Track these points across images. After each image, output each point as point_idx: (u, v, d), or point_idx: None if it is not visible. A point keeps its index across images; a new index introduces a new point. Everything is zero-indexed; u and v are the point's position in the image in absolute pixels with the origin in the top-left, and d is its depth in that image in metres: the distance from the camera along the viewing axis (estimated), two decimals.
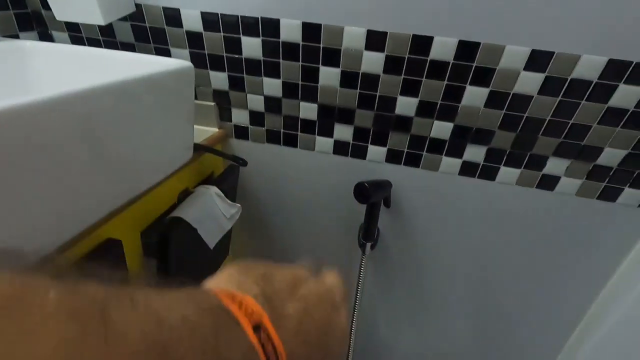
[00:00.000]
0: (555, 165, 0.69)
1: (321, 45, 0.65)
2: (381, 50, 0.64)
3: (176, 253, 0.60)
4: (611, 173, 0.67)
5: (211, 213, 0.64)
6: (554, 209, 0.73)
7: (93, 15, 0.60)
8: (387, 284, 0.95)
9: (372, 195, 0.72)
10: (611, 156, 0.65)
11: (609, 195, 0.69)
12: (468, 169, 0.73)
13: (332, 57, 0.66)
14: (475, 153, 0.71)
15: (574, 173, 0.69)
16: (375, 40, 0.63)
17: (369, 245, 0.82)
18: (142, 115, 0.49)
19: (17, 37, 0.70)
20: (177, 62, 0.55)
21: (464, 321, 0.95)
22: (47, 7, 0.70)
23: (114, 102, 0.43)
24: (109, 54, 0.58)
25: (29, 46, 0.60)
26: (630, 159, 0.65)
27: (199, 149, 0.68)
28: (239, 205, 0.70)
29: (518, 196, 0.74)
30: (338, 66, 0.67)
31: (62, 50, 0.60)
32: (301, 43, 0.66)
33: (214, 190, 0.66)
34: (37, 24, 0.73)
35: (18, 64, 0.59)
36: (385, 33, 0.62)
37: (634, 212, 0.70)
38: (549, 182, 0.71)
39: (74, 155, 0.39)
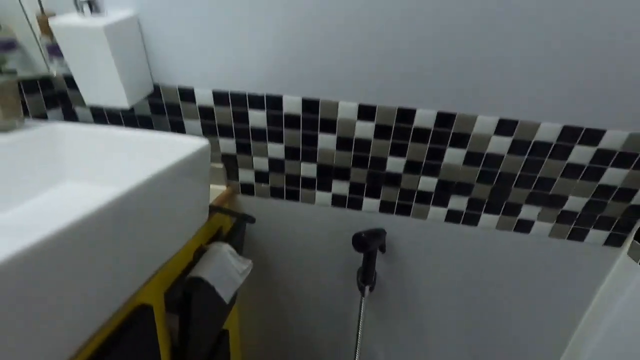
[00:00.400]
0: (528, 212, 0.78)
1: (319, 117, 0.75)
2: (371, 120, 0.73)
3: (196, 309, 0.66)
4: (577, 217, 0.76)
5: (226, 270, 0.71)
6: (532, 249, 0.82)
7: (119, 100, 0.69)
8: (385, 322, 1.01)
9: (369, 244, 0.80)
10: (575, 203, 0.75)
11: (578, 235, 0.78)
12: (453, 217, 0.82)
13: (329, 125, 0.76)
14: (458, 202, 0.80)
15: (545, 218, 0.78)
16: (366, 112, 0.73)
17: (367, 288, 0.89)
18: (169, 198, 0.56)
19: (45, 115, 0.78)
20: (196, 142, 0.63)
21: (459, 353, 1.01)
22: (71, 86, 0.79)
23: (146, 198, 0.49)
24: (134, 135, 0.66)
25: (61, 129, 0.68)
26: (591, 205, 0.75)
27: (212, 209, 0.75)
28: (250, 261, 0.76)
29: (499, 238, 0.82)
30: (334, 133, 0.76)
31: (92, 133, 0.67)
32: (301, 115, 0.75)
33: (227, 248, 0.73)
34: (62, 102, 0.81)
35: (51, 147, 0.66)
36: (375, 106, 0.72)
37: (601, 249, 0.79)
38: (524, 226, 0.80)
39: (111, 250, 0.45)
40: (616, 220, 0.75)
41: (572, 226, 0.78)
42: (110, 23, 0.62)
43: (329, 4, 0.64)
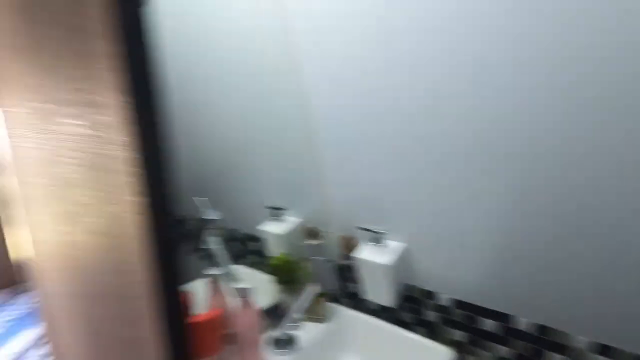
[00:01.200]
0: None
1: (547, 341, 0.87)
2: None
3: None
4: None
5: None
6: None
7: (388, 301, 1.01)
8: None
9: None
10: None
11: None
12: None
13: (558, 348, 0.86)
14: None
15: None
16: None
17: None
18: None
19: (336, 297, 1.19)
20: (447, 352, 0.86)
21: None
22: (349, 271, 1.18)
23: None
24: (398, 333, 0.95)
25: (345, 314, 1.04)
26: None
27: None
28: None
29: None
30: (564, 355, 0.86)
31: (368, 323, 1.00)
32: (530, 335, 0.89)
33: None
34: (343, 281, 1.22)
35: (341, 328, 1.02)
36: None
37: None
38: None
39: None
40: None
41: None
42: (393, 261, 0.96)
43: (529, 244, 0.80)
